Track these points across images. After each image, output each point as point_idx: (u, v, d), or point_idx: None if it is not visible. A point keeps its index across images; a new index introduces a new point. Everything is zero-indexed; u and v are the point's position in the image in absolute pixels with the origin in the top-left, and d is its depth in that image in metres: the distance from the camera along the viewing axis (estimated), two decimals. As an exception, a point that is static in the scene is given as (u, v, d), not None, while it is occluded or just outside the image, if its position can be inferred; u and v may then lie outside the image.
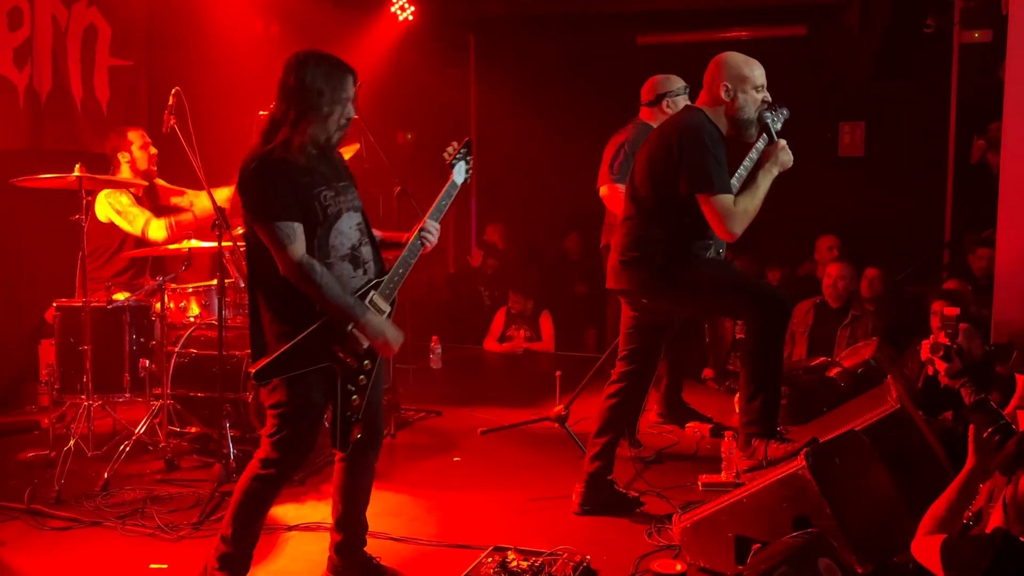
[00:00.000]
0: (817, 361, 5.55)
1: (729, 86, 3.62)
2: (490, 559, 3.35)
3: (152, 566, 3.52)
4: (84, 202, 4.44)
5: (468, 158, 3.35)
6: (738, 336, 6.07)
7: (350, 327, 2.99)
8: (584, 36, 9.06)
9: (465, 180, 3.34)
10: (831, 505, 3.06)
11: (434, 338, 7.46)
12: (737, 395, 4.41)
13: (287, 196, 2.92)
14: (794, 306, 5.67)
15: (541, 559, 3.34)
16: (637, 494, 4.11)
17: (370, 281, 3.09)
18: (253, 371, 2.99)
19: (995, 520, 2.36)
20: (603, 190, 4.97)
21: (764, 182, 3.59)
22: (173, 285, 4.93)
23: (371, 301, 3.05)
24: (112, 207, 5.12)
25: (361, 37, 8.05)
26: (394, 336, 3.06)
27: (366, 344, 3.04)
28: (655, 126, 4.49)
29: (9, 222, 5.64)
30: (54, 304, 4.78)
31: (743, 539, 3.18)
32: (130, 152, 5.23)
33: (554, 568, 3.30)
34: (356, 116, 3.11)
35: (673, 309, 3.98)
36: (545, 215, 9.28)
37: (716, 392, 6.30)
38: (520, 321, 7.88)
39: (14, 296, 5.83)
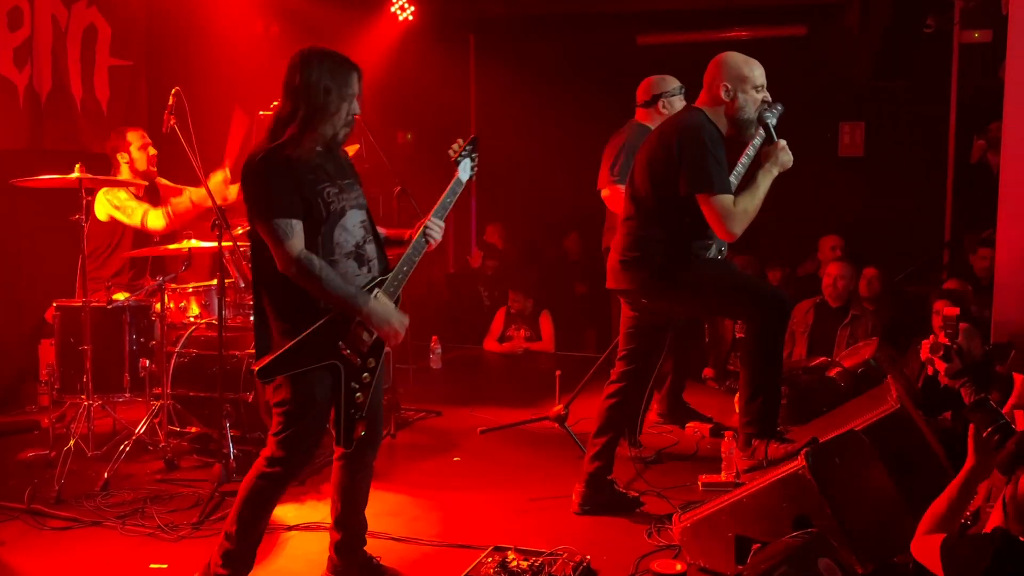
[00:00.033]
0: (817, 361, 5.54)
1: (729, 86, 3.62)
2: (490, 559, 3.35)
3: (152, 566, 3.52)
4: (84, 202, 4.44)
5: (473, 155, 3.36)
6: (738, 335, 6.07)
7: (355, 323, 2.99)
8: (584, 36, 9.06)
9: (470, 177, 3.34)
10: (831, 505, 3.06)
11: (434, 338, 7.46)
12: (737, 395, 4.42)
13: (289, 193, 2.93)
14: (794, 306, 5.68)
15: (541, 559, 3.34)
16: (637, 494, 4.11)
17: (374, 279, 3.09)
18: (257, 368, 2.99)
19: (994, 519, 2.36)
20: (605, 192, 4.96)
21: (764, 182, 3.59)
22: (173, 285, 4.94)
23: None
24: (111, 203, 5.13)
25: (361, 37, 8.05)
26: (400, 322, 3.07)
27: (370, 341, 3.05)
28: (652, 127, 4.50)
29: (9, 222, 5.64)
30: (54, 304, 4.78)
31: (743, 539, 3.19)
32: (129, 153, 5.23)
33: (554, 568, 3.30)
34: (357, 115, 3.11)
35: (673, 309, 3.98)
36: (545, 215, 9.28)
37: (716, 392, 6.30)
38: (520, 321, 7.88)
39: (14, 296, 5.83)
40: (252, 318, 4.80)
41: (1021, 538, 2.24)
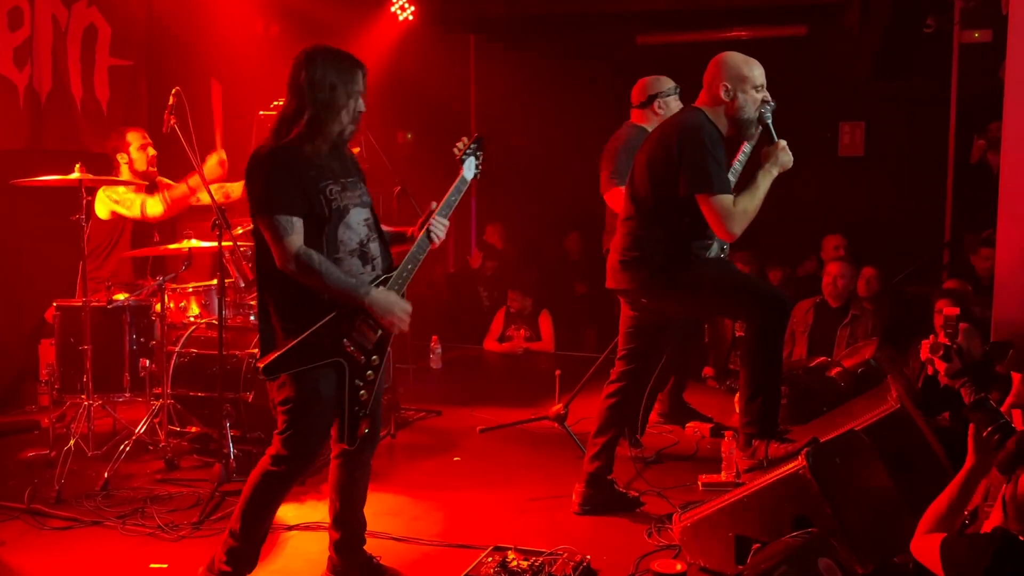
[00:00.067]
0: (817, 361, 5.55)
1: (729, 86, 3.61)
2: (490, 559, 3.35)
3: (152, 566, 3.52)
4: (84, 202, 4.44)
5: (478, 154, 3.36)
6: (738, 334, 6.07)
7: (359, 320, 3.00)
8: (584, 36, 9.06)
9: (475, 176, 3.35)
10: (831, 505, 3.06)
11: (434, 338, 7.46)
12: (737, 395, 4.42)
13: (291, 190, 2.93)
14: (793, 306, 5.68)
15: (541, 559, 3.34)
16: (637, 494, 4.11)
17: (379, 277, 3.10)
18: (262, 365, 2.99)
19: (994, 519, 2.37)
20: (608, 196, 4.94)
21: (764, 182, 3.59)
22: (173, 285, 4.94)
23: None
24: (110, 199, 5.14)
25: (361, 37, 8.04)
26: (403, 310, 3.07)
27: (375, 338, 3.06)
28: (648, 128, 4.51)
29: (9, 222, 5.64)
30: (54, 304, 4.78)
31: (743, 539, 3.19)
32: (128, 153, 5.24)
33: (554, 568, 3.31)
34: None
35: (673, 309, 3.98)
36: (545, 215, 9.27)
37: (716, 391, 6.30)
38: (520, 321, 7.88)
39: (14, 296, 5.83)
40: (253, 317, 4.85)
41: (1021, 537, 2.25)
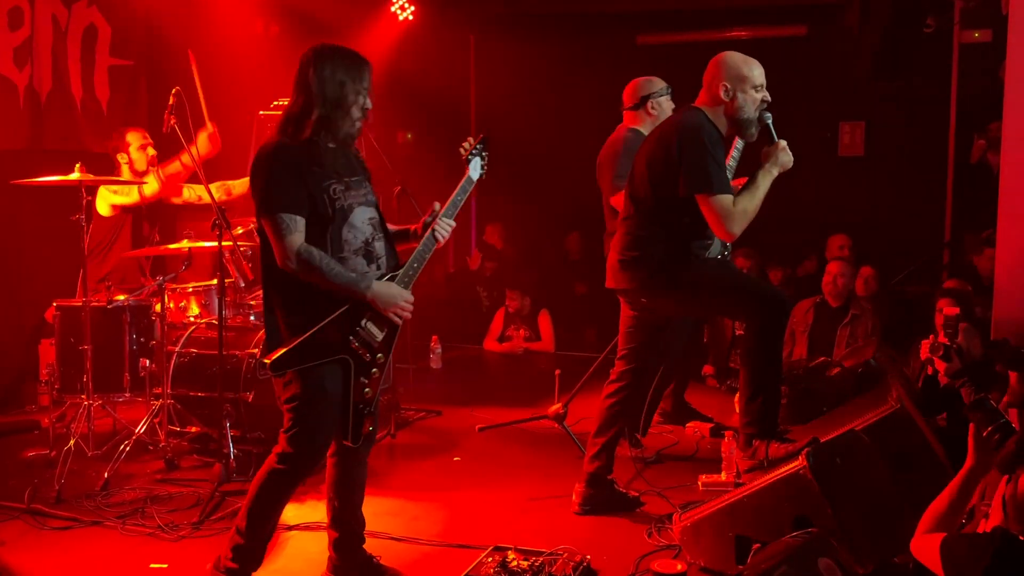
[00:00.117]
0: (817, 361, 5.55)
1: (728, 86, 3.61)
2: (490, 559, 3.35)
3: (152, 566, 3.52)
4: (84, 202, 4.44)
5: (484, 154, 3.37)
6: (738, 333, 6.07)
7: (363, 322, 3.01)
8: (584, 36, 9.06)
9: (481, 176, 3.35)
10: (831, 505, 3.06)
11: (434, 338, 7.46)
12: (737, 395, 4.41)
13: (294, 188, 2.94)
14: (793, 306, 5.68)
15: (541, 559, 3.34)
16: (637, 494, 4.11)
17: (384, 276, 3.10)
18: (269, 361, 2.99)
19: (994, 518, 2.36)
20: (615, 200, 4.91)
21: (764, 182, 3.59)
22: (173, 285, 4.94)
23: None
24: (109, 190, 5.15)
25: (361, 37, 8.03)
26: (405, 299, 3.09)
27: (381, 336, 3.06)
28: (642, 129, 4.51)
29: (9, 222, 5.64)
30: (54, 304, 4.79)
31: (743, 539, 3.18)
32: (128, 153, 5.24)
33: (554, 568, 3.30)
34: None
35: (672, 309, 3.98)
36: (545, 215, 9.27)
37: (716, 391, 6.30)
38: (519, 321, 7.88)
39: (14, 296, 5.83)
40: (253, 317, 4.85)
41: (1021, 537, 2.25)
